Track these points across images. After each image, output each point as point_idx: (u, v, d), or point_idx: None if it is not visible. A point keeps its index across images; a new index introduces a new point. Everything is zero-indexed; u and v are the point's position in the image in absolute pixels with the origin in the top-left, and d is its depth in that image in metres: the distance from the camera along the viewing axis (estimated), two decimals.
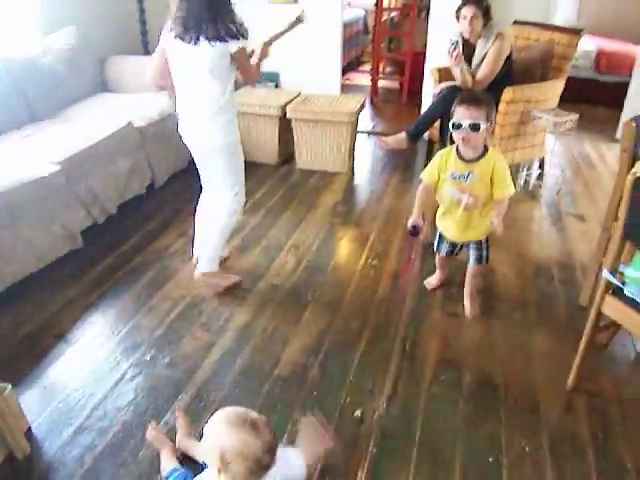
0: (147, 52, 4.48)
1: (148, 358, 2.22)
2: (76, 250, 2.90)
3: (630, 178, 1.75)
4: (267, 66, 2.60)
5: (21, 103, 3.36)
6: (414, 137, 3.74)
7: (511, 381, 2.13)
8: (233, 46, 2.24)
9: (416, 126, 3.76)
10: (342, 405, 2.01)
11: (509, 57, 3.75)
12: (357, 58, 7.58)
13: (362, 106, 4.15)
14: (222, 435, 1.21)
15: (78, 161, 2.90)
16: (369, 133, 4.82)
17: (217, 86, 2.33)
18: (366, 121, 5.23)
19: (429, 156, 4.26)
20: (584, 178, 4.15)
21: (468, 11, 3.55)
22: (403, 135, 3.73)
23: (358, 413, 1.98)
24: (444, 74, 4.06)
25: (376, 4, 6.16)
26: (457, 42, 3.63)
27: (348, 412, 1.98)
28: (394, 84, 6.51)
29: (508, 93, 3.62)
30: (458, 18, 3.65)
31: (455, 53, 3.59)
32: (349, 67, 7.03)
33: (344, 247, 3.15)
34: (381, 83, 6.44)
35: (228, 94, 2.37)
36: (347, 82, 6.48)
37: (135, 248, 3.01)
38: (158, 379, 2.11)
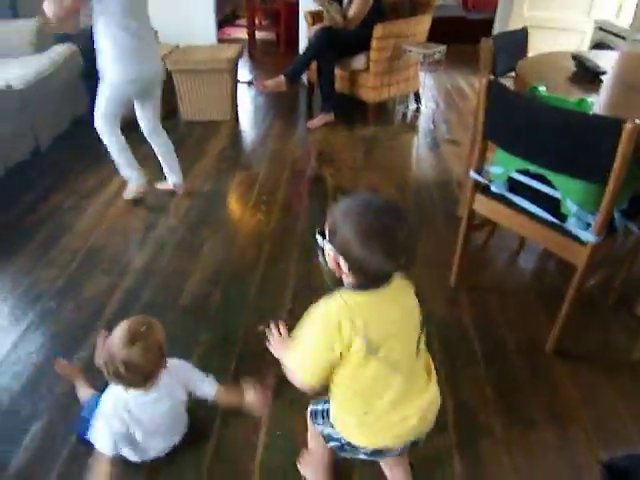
0: (16, 15, 4.23)
1: (53, 306, 2.20)
2: None
3: (484, 81, 1.88)
4: None
5: None
6: (292, 78, 3.79)
7: None
8: None
9: (293, 68, 3.81)
10: (246, 323, 2.08)
11: None
12: (233, 12, 7.43)
13: (240, 54, 4.11)
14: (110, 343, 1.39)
15: None
16: (249, 83, 4.80)
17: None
18: (246, 73, 5.20)
19: (310, 99, 4.33)
20: (458, 108, 4.40)
21: None
22: (282, 77, 3.77)
23: (261, 328, 2.03)
24: (317, 17, 4.11)
25: None
26: None
27: (252, 329, 2.05)
28: (272, 35, 6.48)
29: (379, 29, 3.74)
30: None
31: None
32: (226, 22, 6.89)
33: (235, 187, 3.17)
34: (259, 35, 6.40)
35: None
36: (225, 37, 6.36)
37: (26, 209, 2.90)
38: (65, 323, 2.11)
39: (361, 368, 1.08)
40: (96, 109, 2.63)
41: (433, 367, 1.23)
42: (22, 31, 3.81)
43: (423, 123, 4.10)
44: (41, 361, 1.92)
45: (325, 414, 1.27)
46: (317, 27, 3.88)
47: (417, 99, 4.36)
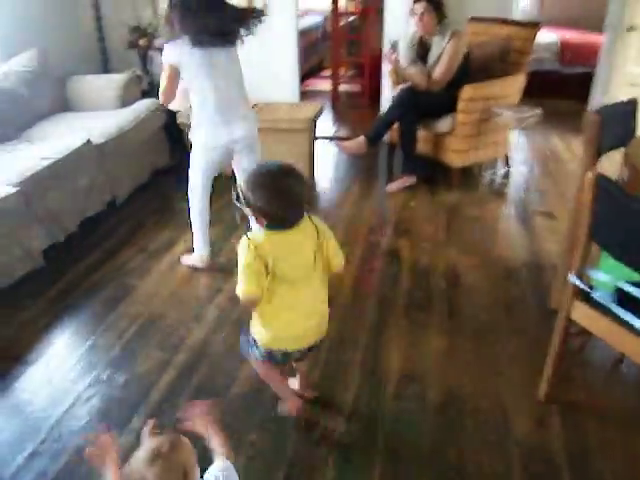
0: (106, 70, 4.46)
1: (104, 378, 2.14)
2: (38, 269, 2.79)
3: (590, 177, 1.62)
4: None
5: None
6: (373, 140, 3.64)
7: (479, 393, 2.00)
8: None
9: (375, 129, 3.66)
10: (301, 425, 1.89)
11: (466, 55, 3.66)
12: (319, 64, 7.45)
13: (319, 112, 4.01)
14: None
15: (37, 181, 2.81)
16: (330, 138, 4.69)
17: None
18: (328, 126, 5.10)
19: (390, 160, 4.15)
20: (552, 174, 4.06)
21: (419, 7, 3.48)
22: (362, 139, 3.64)
23: (317, 434, 1.86)
24: (402, 76, 3.94)
25: (333, 10, 6.06)
26: (396, 44, 3.55)
27: (307, 430, 1.87)
28: (356, 87, 6.39)
29: (468, 91, 3.52)
30: (413, 16, 3.57)
31: (393, 57, 3.52)
32: (311, 73, 6.90)
33: None
34: (343, 87, 6.32)
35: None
36: (308, 88, 6.34)
37: (94, 265, 2.91)
38: (113, 401, 2.03)
39: (273, 287, 1.57)
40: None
41: (326, 296, 1.72)
42: (111, 86, 3.96)
43: (512, 190, 3.78)
44: (82, 442, 1.80)
45: (252, 341, 1.74)
46: (401, 87, 3.72)
47: (507, 162, 4.07)
